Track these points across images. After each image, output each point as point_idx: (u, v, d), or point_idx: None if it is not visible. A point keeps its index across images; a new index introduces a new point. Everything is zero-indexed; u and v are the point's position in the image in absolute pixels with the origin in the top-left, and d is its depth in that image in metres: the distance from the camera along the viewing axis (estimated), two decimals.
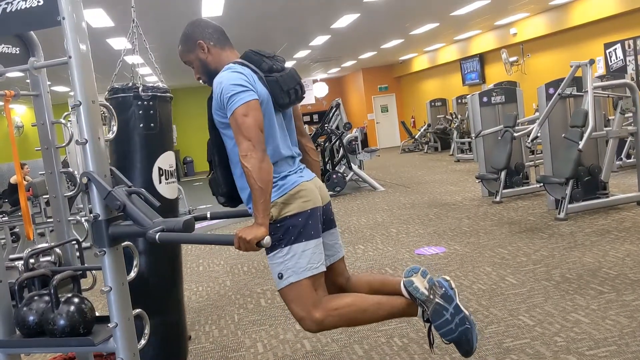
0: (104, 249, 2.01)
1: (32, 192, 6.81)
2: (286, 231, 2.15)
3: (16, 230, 7.64)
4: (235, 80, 2.06)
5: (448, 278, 2.30)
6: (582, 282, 3.88)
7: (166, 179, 2.77)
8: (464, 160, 12.65)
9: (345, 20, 9.78)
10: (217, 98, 2.09)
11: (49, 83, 2.62)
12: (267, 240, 1.87)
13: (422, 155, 15.82)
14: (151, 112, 2.68)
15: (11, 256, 3.13)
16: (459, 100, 14.26)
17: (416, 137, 16.89)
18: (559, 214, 5.84)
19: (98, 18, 6.98)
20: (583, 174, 6.00)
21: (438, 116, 15.83)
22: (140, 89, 2.61)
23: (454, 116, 14.02)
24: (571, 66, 6.06)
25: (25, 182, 8.83)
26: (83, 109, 2.01)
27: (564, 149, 5.96)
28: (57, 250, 2.82)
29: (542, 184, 6.08)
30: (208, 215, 2.29)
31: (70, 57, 1.99)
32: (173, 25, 8.92)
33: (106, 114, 2.28)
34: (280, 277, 2.16)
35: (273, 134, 2.16)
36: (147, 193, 2.02)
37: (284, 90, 2.16)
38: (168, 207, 2.77)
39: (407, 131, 17.49)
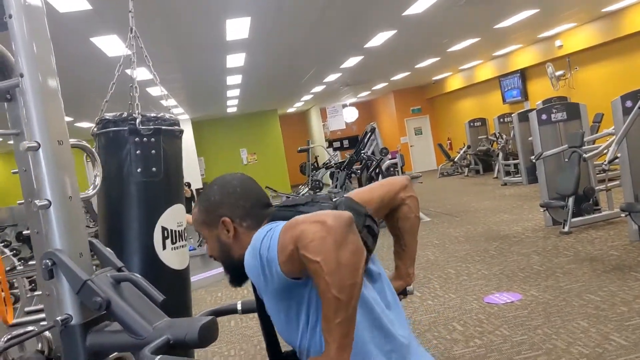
0: None
1: None
2: None
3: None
4: (263, 231, 1.24)
5: None
6: None
7: (173, 243, 2.02)
8: (512, 184, 11.72)
9: (380, 39, 9.10)
10: (252, 273, 1.25)
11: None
12: None
13: (463, 179, 14.90)
14: (153, 151, 1.96)
15: None
16: (502, 120, 13.37)
17: (455, 159, 15.99)
18: None
19: (113, 46, 6.39)
20: None
21: (479, 137, 14.92)
22: (137, 121, 1.87)
23: (497, 136, 13.11)
24: None
25: None
26: (43, 154, 1.31)
27: None
28: (47, 333, 2.16)
29: (626, 213, 5.19)
30: (239, 308, 1.51)
31: (22, 75, 1.29)
32: (197, 55, 8.36)
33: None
34: None
35: (369, 320, 1.28)
36: (144, 281, 1.30)
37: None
38: (176, 281, 2.04)
39: (445, 154, 16.60)
